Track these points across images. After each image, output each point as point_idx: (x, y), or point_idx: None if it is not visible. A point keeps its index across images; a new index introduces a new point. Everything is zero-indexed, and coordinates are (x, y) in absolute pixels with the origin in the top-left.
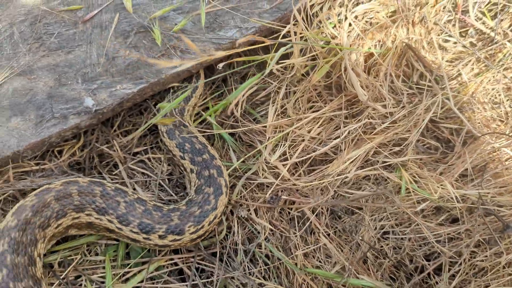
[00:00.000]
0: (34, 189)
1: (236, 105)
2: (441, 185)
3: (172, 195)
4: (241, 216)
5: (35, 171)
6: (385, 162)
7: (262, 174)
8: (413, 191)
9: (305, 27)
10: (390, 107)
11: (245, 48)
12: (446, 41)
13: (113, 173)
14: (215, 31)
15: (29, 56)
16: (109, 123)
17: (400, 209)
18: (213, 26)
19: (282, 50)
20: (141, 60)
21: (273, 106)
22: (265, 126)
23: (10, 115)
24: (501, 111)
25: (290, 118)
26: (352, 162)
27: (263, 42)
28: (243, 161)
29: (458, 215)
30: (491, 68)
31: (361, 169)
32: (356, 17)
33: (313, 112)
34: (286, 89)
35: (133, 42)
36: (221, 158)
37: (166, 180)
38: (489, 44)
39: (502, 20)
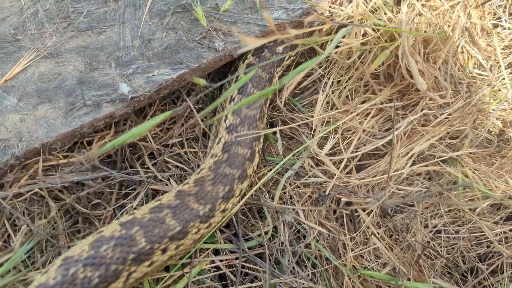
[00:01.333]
0: (65, 187)
1: (280, 92)
2: (503, 181)
3: None
4: (287, 221)
5: (62, 165)
6: (440, 156)
7: (310, 170)
8: (471, 189)
9: (364, 9)
10: (448, 98)
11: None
12: (498, 26)
13: (145, 166)
14: (259, 12)
15: (56, 37)
16: (141, 113)
17: (455, 207)
18: (257, 6)
19: (343, 32)
20: (180, 42)
21: (321, 95)
22: (312, 117)
23: (37, 102)
24: None
25: (339, 110)
26: (405, 157)
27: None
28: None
29: None
30: None
31: (412, 163)
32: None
33: (363, 103)
34: (333, 78)
35: (170, 23)
36: (266, 152)
37: None
38: None
39: None
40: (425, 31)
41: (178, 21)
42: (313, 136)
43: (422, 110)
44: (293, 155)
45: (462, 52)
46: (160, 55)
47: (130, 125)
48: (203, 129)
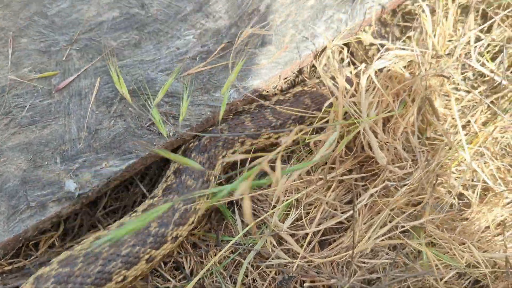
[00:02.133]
0: None
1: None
2: (464, 248)
3: (169, 280)
4: None
5: (7, 271)
6: (403, 226)
7: (273, 250)
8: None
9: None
10: (408, 168)
11: None
12: (456, 89)
13: None
14: (209, 92)
15: None
16: (93, 203)
17: (421, 277)
18: (207, 86)
19: (330, 141)
20: (128, 130)
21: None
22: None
23: None
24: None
25: (301, 180)
26: (368, 230)
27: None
28: (246, 234)
29: (482, 279)
30: (499, 115)
31: (376, 236)
32: (375, 72)
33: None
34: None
35: (118, 111)
36: (221, 232)
37: (161, 263)
38: (492, 89)
39: (503, 61)
40: (388, 111)
41: (126, 108)
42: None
43: (383, 182)
44: (254, 233)
45: (422, 119)
46: (108, 145)
47: (81, 220)
48: None
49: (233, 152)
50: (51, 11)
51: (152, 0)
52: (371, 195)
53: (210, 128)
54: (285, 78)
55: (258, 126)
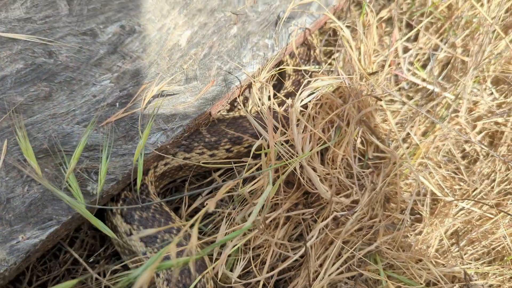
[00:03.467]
0: None
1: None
2: (422, 265)
3: None
4: None
5: None
6: (359, 253)
7: None
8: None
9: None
10: (354, 196)
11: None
12: (391, 101)
13: None
14: (134, 139)
15: None
16: (16, 281)
17: None
18: (131, 133)
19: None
20: (46, 195)
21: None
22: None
23: None
24: (456, 165)
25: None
26: (323, 264)
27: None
28: None
29: None
30: (437, 124)
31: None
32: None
33: (270, 212)
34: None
35: (32, 174)
36: None
37: None
38: (427, 97)
39: (432, 68)
40: (323, 143)
41: (42, 169)
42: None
43: (331, 212)
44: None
45: (362, 141)
46: (24, 215)
47: None
48: None
49: (165, 164)
50: None
51: (60, 47)
52: (322, 230)
53: None
54: (218, 112)
55: (191, 140)
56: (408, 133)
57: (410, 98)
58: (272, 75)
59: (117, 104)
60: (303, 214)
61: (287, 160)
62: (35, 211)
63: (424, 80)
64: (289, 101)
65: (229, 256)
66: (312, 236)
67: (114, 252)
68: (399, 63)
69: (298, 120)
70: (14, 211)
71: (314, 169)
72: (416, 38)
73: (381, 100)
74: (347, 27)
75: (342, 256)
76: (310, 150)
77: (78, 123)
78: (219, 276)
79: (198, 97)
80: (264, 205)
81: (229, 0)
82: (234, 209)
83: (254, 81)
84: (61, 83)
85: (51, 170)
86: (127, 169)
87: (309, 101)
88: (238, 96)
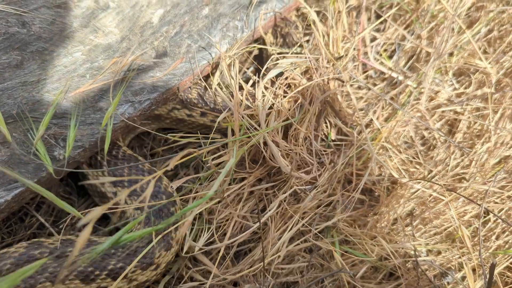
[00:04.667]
0: None
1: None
2: (376, 242)
3: None
4: None
5: None
6: (316, 228)
7: (186, 273)
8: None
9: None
10: (314, 172)
11: None
12: (359, 88)
13: None
14: (102, 110)
15: None
16: None
17: (337, 276)
18: (100, 104)
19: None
20: (13, 158)
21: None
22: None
23: None
24: (414, 150)
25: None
26: (281, 237)
27: None
28: None
29: (395, 271)
30: (399, 110)
31: (290, 241)
32: (271, 81)
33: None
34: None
35: (0, 138)
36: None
37: None
38: (392, 85)
39: (398, 58)
40: (286, 119)
41: (9, 133)
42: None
43: (291, 187)
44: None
45: (325, 122)
46: None
47: None
48: None
49: None
50: None
51: (33, 18)
52: (281, 202)
53: None
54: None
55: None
56: (371, 119)
57: (376, 85)
58: (246, 54)
59: (87, 75)
60: (266, 189)
61: (251, 133)
62: (1, 173)
63: (390, 69)
64: (255, 77)
65: (193, 226)
66: (271, 209)
67: (79, 219)
68: (366, 52)
69: (264, 95)
70: None
71: (277, 145)
72: (384, 29)
73: (343, 82)
74: (317, 12)
75: (299, 230)
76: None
77: (48, 91)
78: (185, 247)
79: (166, 73)
80: (228, 176)
81: None
82: (200, 185)
83: (223, 57)
84: (33, 53)
85: (19, 135)
86: (94, 137)
87: (276, 79)
88: (208, 74)
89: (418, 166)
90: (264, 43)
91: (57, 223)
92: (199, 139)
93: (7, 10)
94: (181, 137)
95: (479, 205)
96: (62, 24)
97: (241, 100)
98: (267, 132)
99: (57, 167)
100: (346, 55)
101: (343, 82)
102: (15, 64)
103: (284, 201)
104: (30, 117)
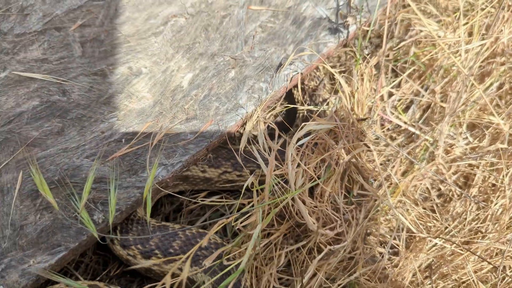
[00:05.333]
0: None
1: None
2: None
3: None
4: None
5: None
6: (339, 284)
7: None
8: None
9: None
10: (338, 229)
11: None
12: (377, 139)
13: None
14: (137, 173)
15: None
16: None
17: None
18: (135, 168)
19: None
20: (56, 222)
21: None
22: None
23: None
24: (431, 203)
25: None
26: None
27: None
28: None
29: None
30: (416, 164)
31: None
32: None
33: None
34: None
35: (43, 203)
36: None
37: None
38: (408, 138)
39: (414, 112)
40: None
41: (55, 203)
42: None
43: (315, 243)
44: None
45: (349, 180)
46: (35, 241)
47: None
48: None
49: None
50: None
51: (73, 86)
52: (305, 257)
53: None
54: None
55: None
56: (389, 174)
57: (393, 138)
58: (275, 114)
59: (123, 140)
60: (291, 244)
61: (279, 196)
62: (45, 238)
63: (405, 122)
64: (286, 138)
65: None
66: (308, 273)
67: (116, 274)
68: (384, 107)
69: (293, 156)
70: (26, 237)
71: (304, 202)
72: (399, 84)
73: (369, 148)
74: (341, 72)
75: (323, 286)
76: (302, 185)
77: (87, 157)
78: None
79: (197, 135)
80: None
81: (228, 45)
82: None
83: (260, 119)
84: (72, 120)
85: (61, 200)
86: (130, 201)
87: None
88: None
89: (435, 221)
90: (290, 99)
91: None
92: (223, 198)
93: (48, 79)
94: (211, 201)
95: (495, 267)
96: (98, 91)
97: (271, 162)
98: (297, 195)
99: (97, 230)
100: (370, 118)
101: (369, 148)
102: (57, 131)
103: (309, 254)
104: (70, 183)
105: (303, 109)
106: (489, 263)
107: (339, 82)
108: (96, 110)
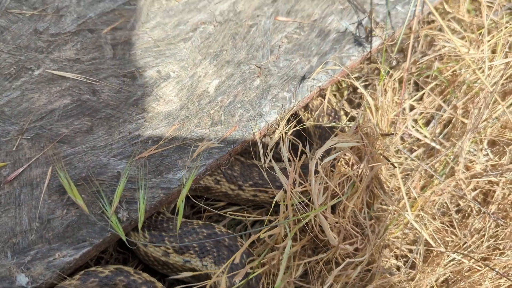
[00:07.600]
0: None
1: None
2: None
3: None
4: None
5: None
6: None
7: None
8: None
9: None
10: (358, 244)
11: None
12: (398, 152)
13: None
14: (162, 174)
15: None
16: None
17: None
18: (160, 169)
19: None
20: (82, 218)
21: None
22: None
23: None
24: (450, 218)
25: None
26: None
27: None
28: None
29: None
30: (435, 179)
31: None
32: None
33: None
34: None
35: (71, 199)
36: None
37: None
38: (428, 152)
39: (435, 127)
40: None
41: (84, 204)
42: None
43: (333, 255)
44: None
45: (369, 195)
46: (61, 235)
47: None
48: None
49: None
50: (0, 101)
51: (103, 87)
52: (321, 269)
53: None
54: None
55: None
56: (409, 187)
57: (412, 151)
58: (292, 126)
59: (149, 141)
60: (309, 256)
61: (303, 213)
62: (71, 232)
63: (426, 137)
64: (309, 154)
65: None
66: (328, 283)
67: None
68: (405, 119)
69: (317, 173)
70: (53, 231)
71: (326, 217)
72: (421, 98)
73: (394, 166)
74: (365, 86)
75: None
76: (325, 201)
77: (114, 156)
78: None
79: (221, 140)
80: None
81: (254, 54)
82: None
83: (284, 135)
84: (101, 119)
85: (88, 197)
86: (154, 201)
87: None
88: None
89: (453, 236)
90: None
91: None
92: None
93: (80, 79)
94: (236, 214)
95: None
96: (127, 92)
97: (294, 178)
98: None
99: (122, 228)
100: (394, 133)
101: (394, 166)
102: (86, 130)
103: (327, 265)
104: (96, 180)
105: (319, 125)
106: (508, 279)
107: (364, 96)
108: (124, 111)
